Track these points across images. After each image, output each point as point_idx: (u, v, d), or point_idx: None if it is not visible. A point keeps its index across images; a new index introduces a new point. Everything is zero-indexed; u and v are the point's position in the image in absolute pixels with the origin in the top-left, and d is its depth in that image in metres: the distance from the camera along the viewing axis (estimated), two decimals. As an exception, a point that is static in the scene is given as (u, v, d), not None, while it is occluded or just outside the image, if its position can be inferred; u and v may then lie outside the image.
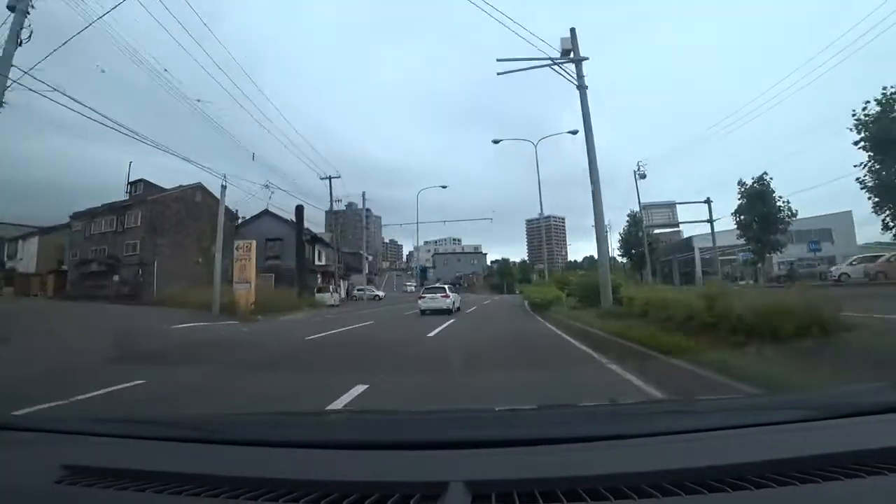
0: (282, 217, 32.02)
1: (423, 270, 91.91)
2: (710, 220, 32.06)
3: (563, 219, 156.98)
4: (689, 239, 39.04)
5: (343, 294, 36.87)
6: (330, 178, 30.18)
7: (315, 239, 37.24)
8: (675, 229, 42.89)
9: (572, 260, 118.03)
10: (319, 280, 36.96)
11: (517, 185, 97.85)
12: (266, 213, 32.72)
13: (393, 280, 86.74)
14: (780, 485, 0.73)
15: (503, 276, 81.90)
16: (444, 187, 40.90)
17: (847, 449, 0.83)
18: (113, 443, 1.07)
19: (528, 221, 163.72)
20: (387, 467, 0.86)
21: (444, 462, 0.88)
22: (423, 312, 18.15)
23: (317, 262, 38.12)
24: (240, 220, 32.79)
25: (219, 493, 0.78)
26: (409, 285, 67.29)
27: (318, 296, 28.74)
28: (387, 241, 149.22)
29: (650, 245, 37.20)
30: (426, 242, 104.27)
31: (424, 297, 19.08)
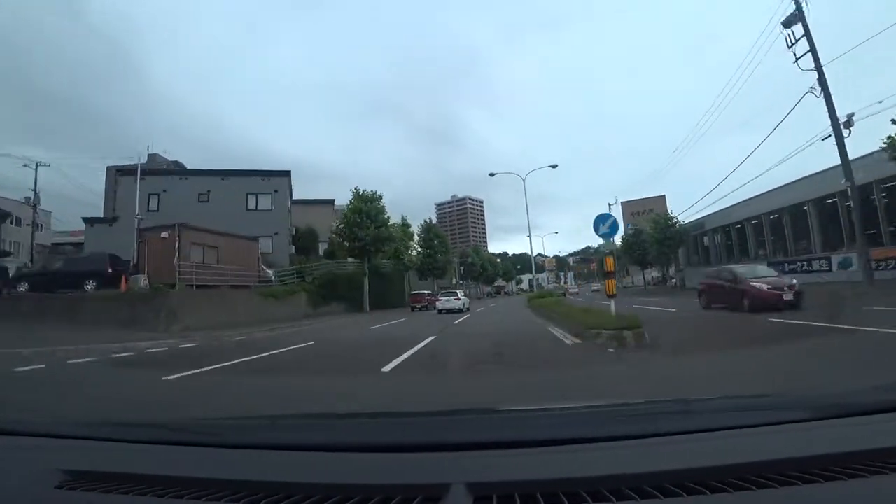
0: None
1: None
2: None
3: (482, 201, 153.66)
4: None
5: None
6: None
7: None
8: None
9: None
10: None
11: (425, 179, 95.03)
12: None
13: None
14: (782, 485, 0.73)
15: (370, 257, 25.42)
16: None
17: (849, 449, 0.83)
18: (113, 447, 1.07)
19: (439, 205, 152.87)
20: (388, 470, 0.86)
21: (446, 464, 0.88)
22: (440, 312, 21.30)
23: None
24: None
25: (220, 497, 0.78)
26: None
27: None
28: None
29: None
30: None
31: (441, 300, 23.01)
